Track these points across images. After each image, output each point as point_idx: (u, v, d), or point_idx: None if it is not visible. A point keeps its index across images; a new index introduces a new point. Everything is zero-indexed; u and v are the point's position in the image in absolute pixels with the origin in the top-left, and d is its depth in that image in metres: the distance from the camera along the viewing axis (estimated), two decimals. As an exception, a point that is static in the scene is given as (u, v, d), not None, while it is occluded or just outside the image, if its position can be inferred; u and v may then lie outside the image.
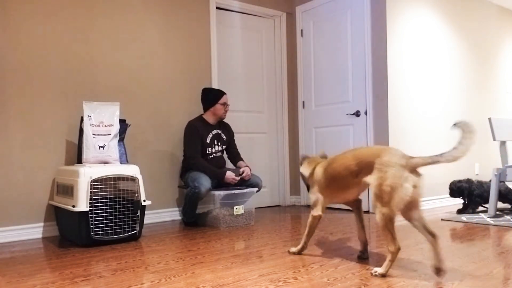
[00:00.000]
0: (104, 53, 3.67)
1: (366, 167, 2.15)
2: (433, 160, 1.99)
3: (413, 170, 2.03)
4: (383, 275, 2.05)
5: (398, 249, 2.03)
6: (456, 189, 4.04)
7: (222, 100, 3.80)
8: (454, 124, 2.01)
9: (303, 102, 4.87)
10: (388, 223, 2.02)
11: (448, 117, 4.69)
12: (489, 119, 3.84)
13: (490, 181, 3.90)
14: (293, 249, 2.59)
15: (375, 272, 2.08)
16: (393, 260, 2.05)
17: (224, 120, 4.00)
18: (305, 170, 2.58)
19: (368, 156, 2.15)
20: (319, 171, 2.45)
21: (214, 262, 2.41)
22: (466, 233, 3.09)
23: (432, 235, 2.05)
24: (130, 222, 3.07)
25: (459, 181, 4.05)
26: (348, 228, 3.34)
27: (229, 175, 3.65)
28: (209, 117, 3.84)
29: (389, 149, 2.12)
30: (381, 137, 4.10)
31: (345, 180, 2.28)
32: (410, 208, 2.07)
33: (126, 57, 3.79)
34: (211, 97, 3.82)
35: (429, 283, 1.94)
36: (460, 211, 4.02)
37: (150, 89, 3.93)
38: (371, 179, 2.11)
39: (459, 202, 4.61)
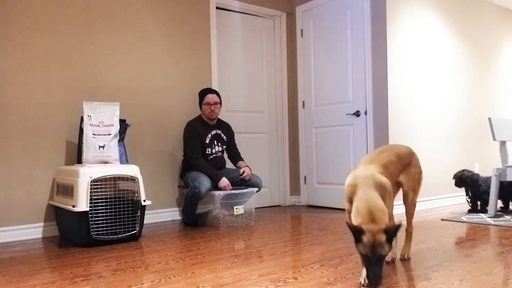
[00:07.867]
0: (104, 53, 3.67)
1: None
2: None
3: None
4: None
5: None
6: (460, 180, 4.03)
7: (205, 100, 3.76)
8: None
9: (303, 102, 4.86)
10: None
11: (448, 117, 4.69)
12: (489, 119, 3.84)
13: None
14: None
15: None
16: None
17: (224, 120, 3.99)
18: None
19: None
20: None
21: (214, 262, 2.41)
22: (466, 233, 3.09)
23: None
24: (130, 222, 3.07)
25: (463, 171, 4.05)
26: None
27: (223, 182, 3.57)
28: (205, 118, 3.83)
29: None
30: (381, 137, 4.10)
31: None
32: None
33: (126, 57, 3.79)
34: (199, 98, 3.85)
35: (429, 283, 1.94)
36: (471, 211, 4.01)
37: (150, 89, 3.93)
38: None
39: (459, 202, 4.61)
